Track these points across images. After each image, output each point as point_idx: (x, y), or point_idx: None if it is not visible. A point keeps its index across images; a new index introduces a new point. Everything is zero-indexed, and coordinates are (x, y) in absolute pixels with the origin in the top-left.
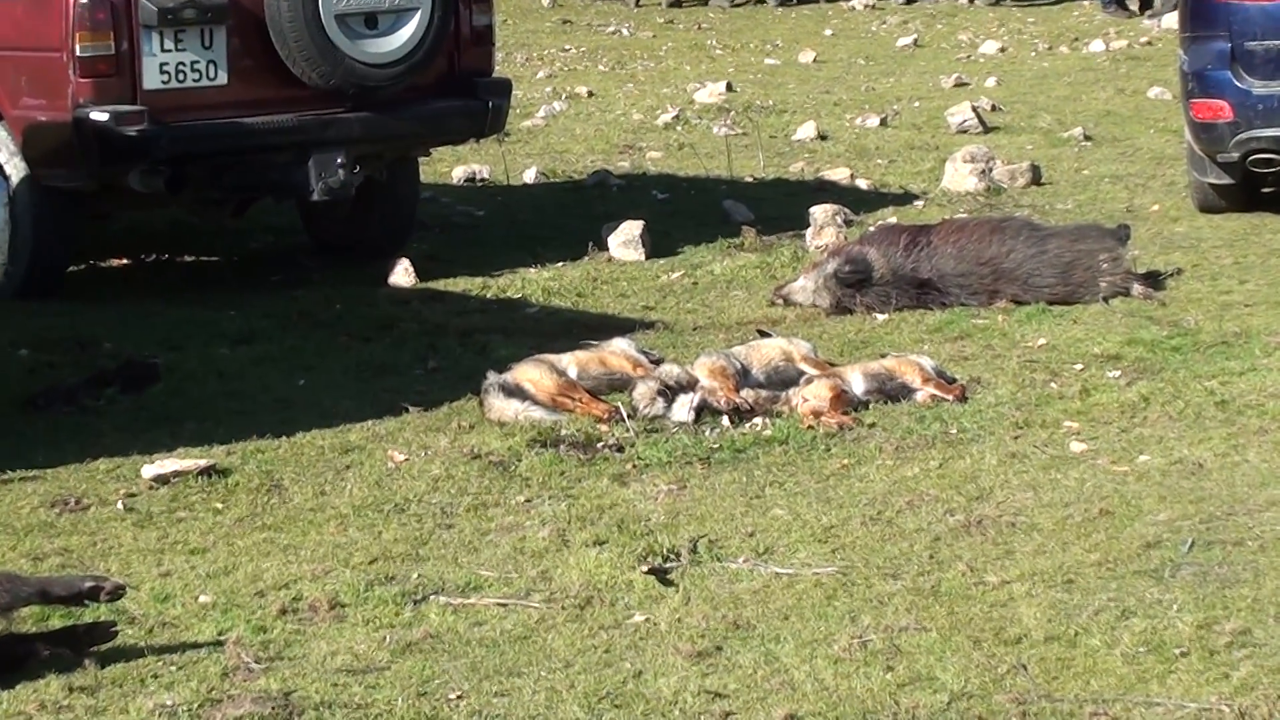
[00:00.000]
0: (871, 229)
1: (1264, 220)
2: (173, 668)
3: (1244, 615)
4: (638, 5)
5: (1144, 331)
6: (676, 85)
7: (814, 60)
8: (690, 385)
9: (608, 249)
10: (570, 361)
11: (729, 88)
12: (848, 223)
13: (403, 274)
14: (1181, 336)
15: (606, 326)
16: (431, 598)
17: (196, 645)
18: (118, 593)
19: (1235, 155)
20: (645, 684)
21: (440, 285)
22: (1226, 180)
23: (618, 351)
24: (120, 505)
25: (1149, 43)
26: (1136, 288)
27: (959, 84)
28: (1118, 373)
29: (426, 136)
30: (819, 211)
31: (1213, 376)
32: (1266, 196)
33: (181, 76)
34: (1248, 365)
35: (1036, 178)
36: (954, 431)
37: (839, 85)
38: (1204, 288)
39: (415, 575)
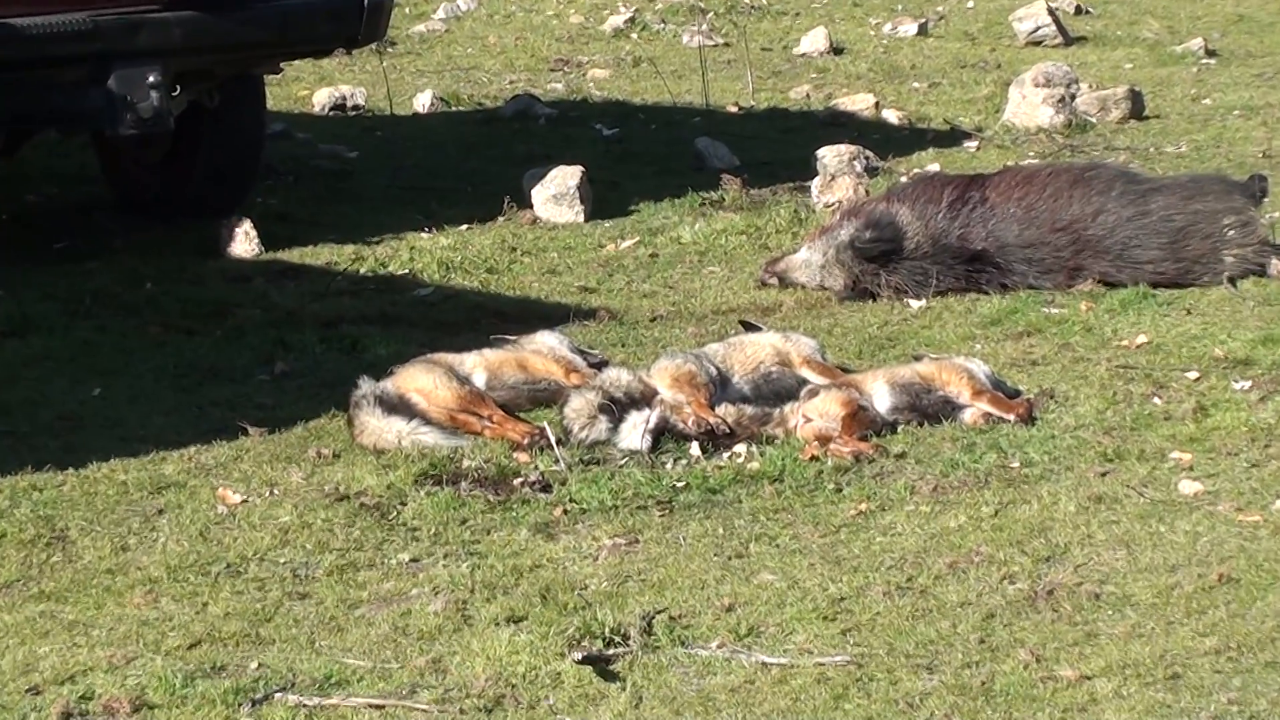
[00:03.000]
0: (904, 180)
1: None
2: None
3: None
4: None
5: None
6: None
7: None
8: (645, 398)
9: (531, 206)
10: (477, 365)
11: None
12: (870, 171)
13: (242, 241)
14: None
15: (528, 315)
16: (277, 696)
17: None
18: None
19: None
20: None
21: (294, 256)
22: None
23: (544, 351)
24: None
25: None
26: (1275, 264)
27: None
28: (1248, 384)
29: (275, 46)
30: (830, 155)
31: None
32: None
33: None
34: None
35: (1138, 109)
36: (1016, 465)
37: None
38: None
39: (254, 665)
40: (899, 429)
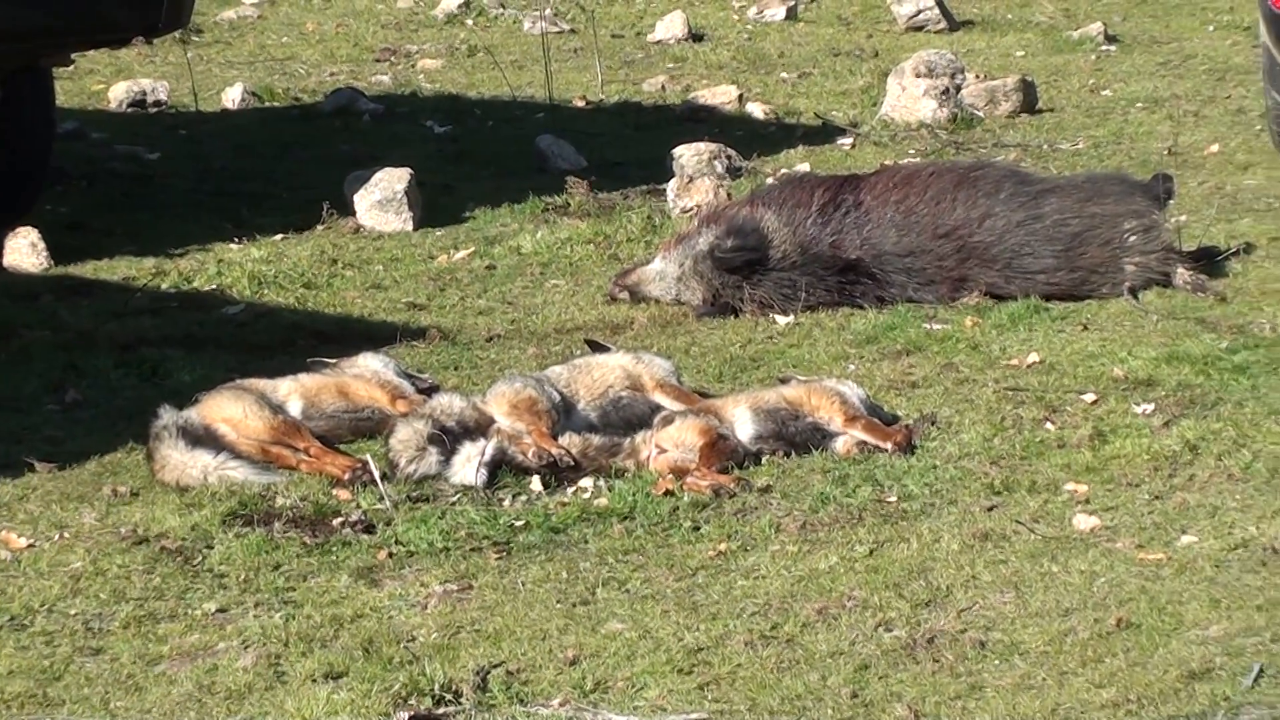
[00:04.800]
0: (770, 182)
1: None
2: None
3: None
4: None
5: (1192, 343)
6: None
7: None
8: (480, 428)
9: (354, 213)
10: (292, 391)
11: None
12: (733, 172)
13: (28, 253)
14: (1250, 350)
15: (350, 335)
16: None
17: None
18: None
19: None
20: None
21: (88, 270)
22: None
23: (367, 375)
24: None
25: None
26: (1181, 274)
27: None
28: (1150, 407)
29: (63, 34)
30: (688, 155)
31: None
32: None
33: None
34: None
35: (1030, 101)
36: (894, 499)
37: None
38: None
39: None
40: (763, 460)
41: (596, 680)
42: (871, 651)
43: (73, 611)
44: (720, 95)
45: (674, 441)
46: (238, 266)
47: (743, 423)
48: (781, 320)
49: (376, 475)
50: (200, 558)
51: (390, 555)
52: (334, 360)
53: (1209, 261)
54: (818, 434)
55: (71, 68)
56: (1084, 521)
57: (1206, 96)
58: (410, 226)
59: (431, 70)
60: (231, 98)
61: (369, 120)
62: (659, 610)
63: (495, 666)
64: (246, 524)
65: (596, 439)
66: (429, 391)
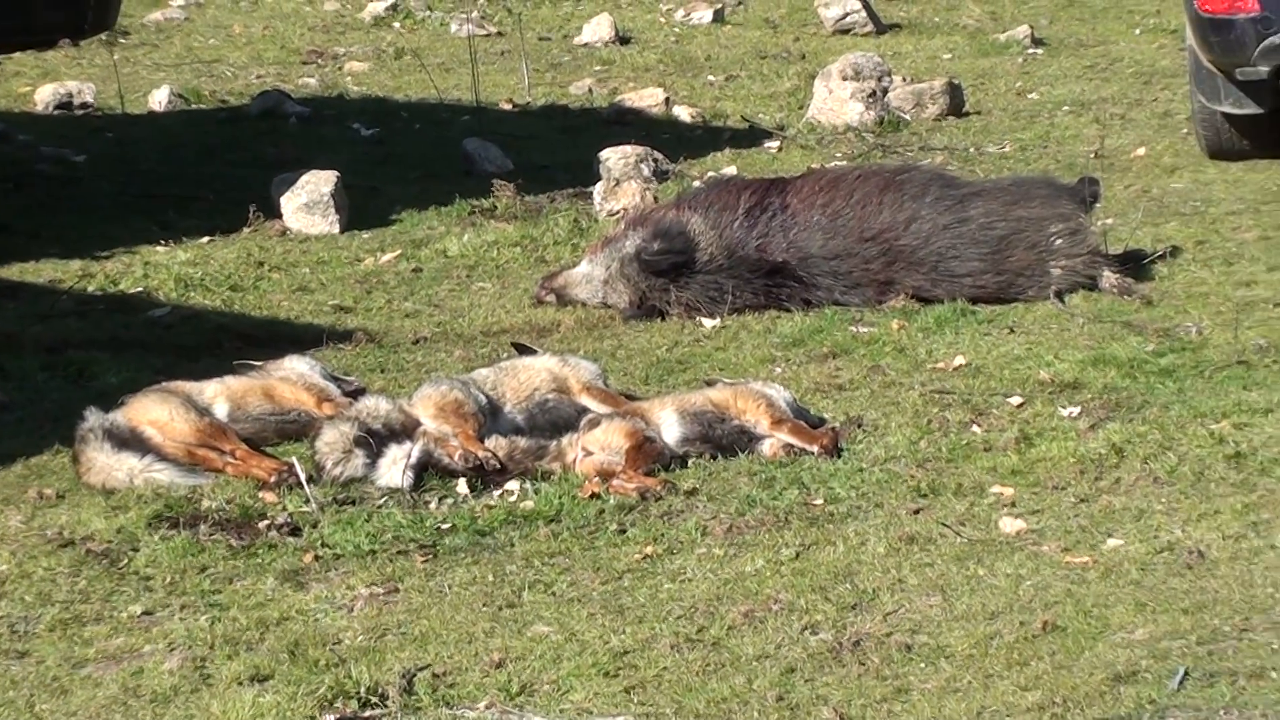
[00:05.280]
0: (697, 185)
1: None
2: None
3: None
4: None
5: (1118, 345)
6: None
7: None
8: (407, 430)
9: (281, 216)
10: (218, 394)
11: None
12: (660, 175)
13: None
14: (1177, 353)
15: (277, 338)
16: None
17: None
18: None
19: (1263, 70)
20: None
21: (13, 273)
22: (1250, 109)
23: (294, 378)
24: None
25: None
26: (1108, 277)
27: None
28: (1076, 410)
29: None
30: (615, 157)
31: (1223, 416)
32: None
33: None
34: (1277, 398)
35: (957, 104)
36: (820, 502)
37: None
38: (1213, 277)
39: None
40: (690, 462)
41: (522, 683)
42: (798, 654)
43: None
44: (647, 98)
45: (600, 444)
46: (164, 269)
47: (669, 425)
48: (708, 323)
49: (303, 478)
50: (126, 560)
51: (316, 558)
52: (260, 363)
53: (1135, 265)
54: (744, 437)
55: None
56: (1010, 524)
57: (1133, 100)
58: (337, 229)
59: (358, 73)
60: (158, 100)
61: (296, 123)
62: (585, 613)
63: (421, 669)
64: (172, 526)
65: (523, 442)
66: (355, 394)
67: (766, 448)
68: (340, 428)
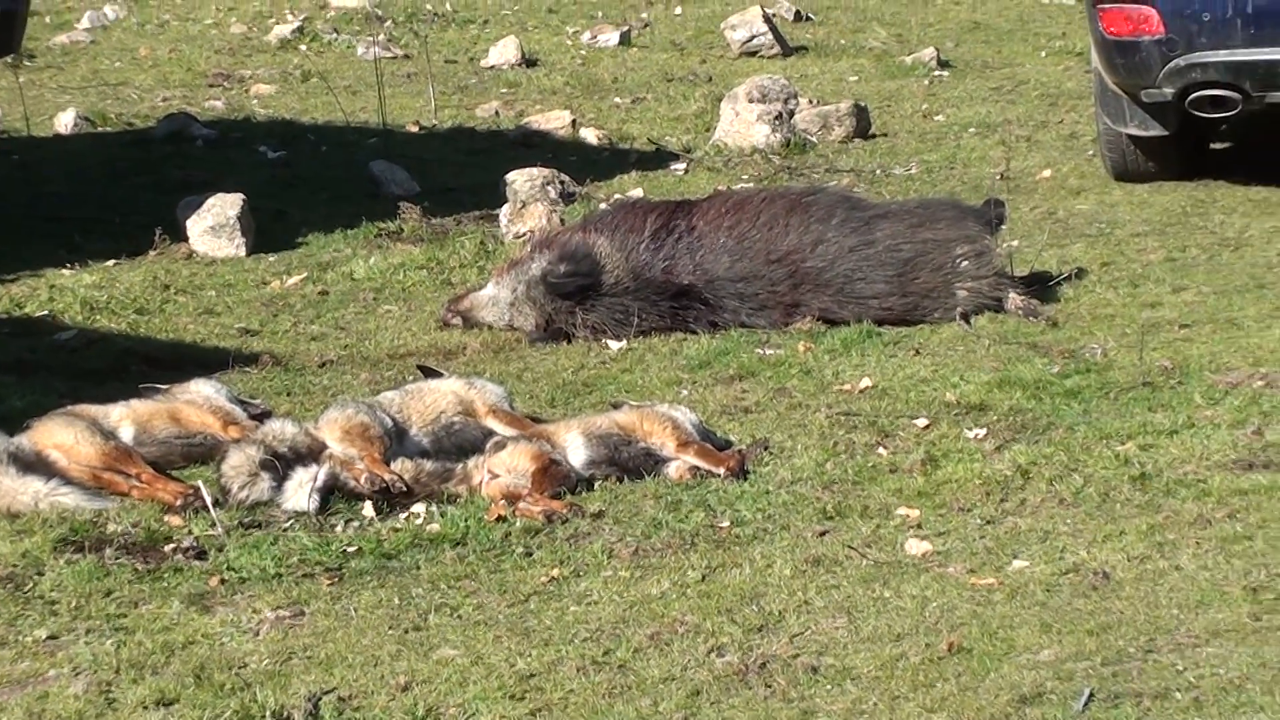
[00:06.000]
0: (604, 207)
1: (1212, 193)
2: None
3: None
4: None
5: (1024, 367)
6: None
7: None
8: (313, 453)
9: (187, 238)
10: (124, 417)
11: None
12: (566, 197)
13: None
14: (1082, 375)
15: (183, 361)
16: None
17: None
18: None
19: (1169, 92)
20: None
21: None
22: (1155, 131)
23: (199, 401)
24: None
25: None
26: (1013, 299)
27: None
28: (982, 432)
29: None
30: (521, 180)
31: (1129, 438)
32: (1216, 156)
33: None
34: (1182, 420)
35: (863, 126)
36: (726, 525)
37: None
38: (1118, 298)
39: None
40: (596, 485)
41: (429, 706)
42: (704, 677)
43: None
44: (554, 120)
45: (506, 467)
46: (70, 292)
47: (575, 448)
48: (614, 345)
49: (209, 501)
50: (31, 584)
51: (222, 581)
52: (166, 386)
53: (1041, 286)
54: (650, 459)
55: None
56: (916, 546)
57: (1039, 122)
58: (243, 252)
59: (265, 95)
60: (64, 123)
61: (202, 145)
62: (491, 636)
63: (327, 693)
64: (78, 550)
65: (429, 464)
66: (261, 417)
67: (673, 470)
68: (246, 451)
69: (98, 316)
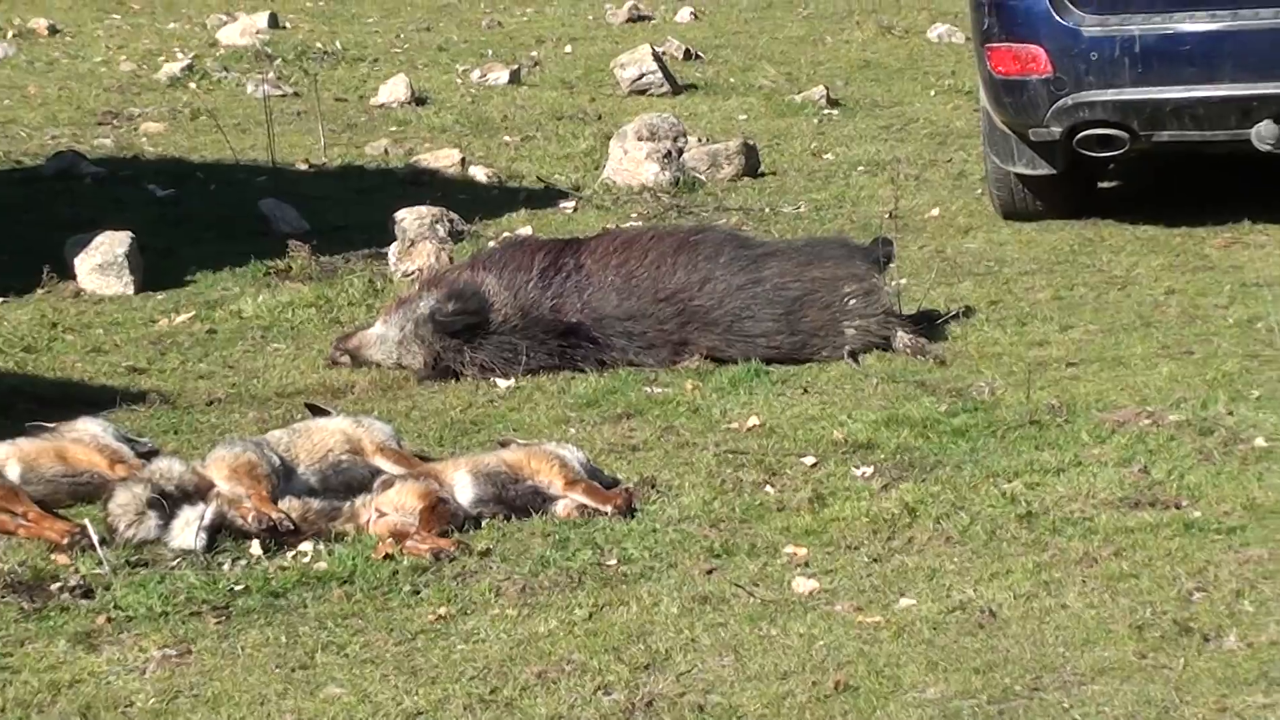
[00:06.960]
0: (492, 246)
1: (1100, 232)
2: None
3: None
4: None
5: (911, 406)
6: (190, 17)
7: None
8: (200, 492)
9: (75, 277)
10: (10, 455)
11: (273, 21)
12: (455, 236)
13: None
14: (969, 414)
15: (70, 399)
16: None
17: None
18: None
19: (1056, 130)
20: None
21: None
22: (1043, 170)
23: (86, 440)
24: None
25: None
26: (901, 337)
27: (635, 16)
28: (869, 470)
29: None
30: (410, 218)
31: (1015, 476)
32: (1104, 195)
33: None
34: (1069, 458)
35: (752, 165)
36: (613, 563)
37: (447, 17)
38: (1006, 336)
39: None
40: (483, 523)
41: None
42: (590, 715)
43: None
44: (443, 159)
45: (394, 505)
46: None
47: (463, 486)
48: (502, 384)
49: (95, 540)
50: None
51: (109, 620)
52: (53, 425)
53: (929, 325)
54: (538, 497)
55: None
56: (803, 584)
57: (928, 160)
58: (131, 290)
59: (154, 133)
60: None
61: (91, 183)
62: (378, 674)
63: None
64: None
65: (316, 503)
66: (148, 456)
67: (560, 508)
68: (133, 489)
69: None
